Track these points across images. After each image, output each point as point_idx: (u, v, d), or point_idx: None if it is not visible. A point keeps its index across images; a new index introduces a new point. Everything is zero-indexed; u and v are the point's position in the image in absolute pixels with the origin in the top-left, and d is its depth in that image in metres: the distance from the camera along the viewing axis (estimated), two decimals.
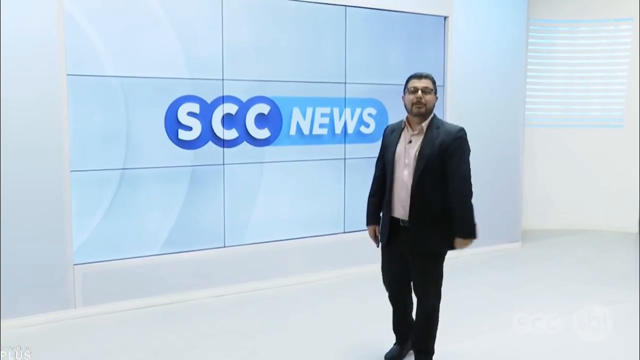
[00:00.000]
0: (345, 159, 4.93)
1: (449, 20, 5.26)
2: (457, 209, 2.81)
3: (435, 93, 2.94)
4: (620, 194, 6.67)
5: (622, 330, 3.65)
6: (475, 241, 2.86)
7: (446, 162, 2.81)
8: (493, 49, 5.55)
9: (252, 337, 3.62)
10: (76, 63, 3.80)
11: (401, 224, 2.93)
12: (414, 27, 5.12)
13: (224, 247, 4.44)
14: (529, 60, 6.16)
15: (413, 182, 2.85)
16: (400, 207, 2.91)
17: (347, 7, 4.76)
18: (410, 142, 2.91)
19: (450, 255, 2.99)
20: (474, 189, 2.87)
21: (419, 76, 2.93)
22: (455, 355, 3.41)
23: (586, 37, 6.68)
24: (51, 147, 3.74)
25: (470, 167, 2.88)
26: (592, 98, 6.74)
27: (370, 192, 3.17)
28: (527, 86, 6.18)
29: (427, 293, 2.97)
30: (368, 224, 3.18)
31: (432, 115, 2.93)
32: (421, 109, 2.87)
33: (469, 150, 2.88)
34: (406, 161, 2.89)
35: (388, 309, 3.24)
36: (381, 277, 3.22)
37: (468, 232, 2.81)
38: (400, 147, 2.94)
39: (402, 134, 2.97)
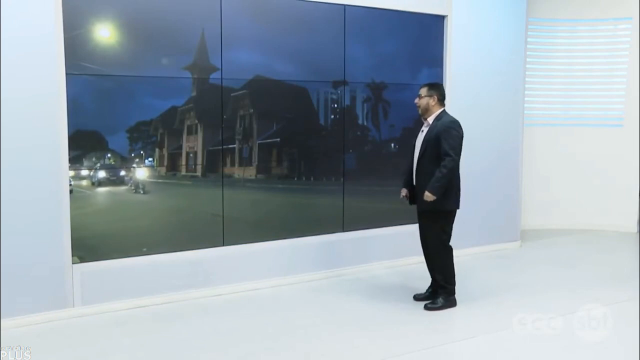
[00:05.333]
0: (344, 155, 4.92)
1: (448, 19, 5.25)
2: (436, 174, 3.84)
3: (431, 96, 3.94)
4: (620, 194, 6.67)
5: (622, 330, 3.64)
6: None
7: (440, 145, 3.83)
8: (492, 48, 5.54)
9: (251, 337, 3.61)
10: (75, 62, 3.79)
11: (414, 187, 4.07)
12: (413, 26, 5.11)
13: (223, 245, 4.43)
14: (528, 59, 6.15)
15: (417, 159, 3.98)
16: (414, 175, 4.05)
17: (346, 6, 4.75)
18: (423, 131, 4.03)
19: None
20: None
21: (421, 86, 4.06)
22: (455, 355, 3.40)
23: (585, 36, 6.68)
24: (50, 145, 3.73)
25: (458, 149, 3.84)
26: (592, 97, 6.74)
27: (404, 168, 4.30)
28: (527, 85, 6.17)
29: (431, 239, 4.06)
30: (402, 187, 4.25)
31: (439, 111, 3.96)
32: (418, 110, 4.04)
33: (457, 136, 3.85)
34: (418, 144, 4.00)
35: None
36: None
37: (430, 189, 3.84)
38: (418, 135, 4.08)
39: (423, 126, 4.06)
